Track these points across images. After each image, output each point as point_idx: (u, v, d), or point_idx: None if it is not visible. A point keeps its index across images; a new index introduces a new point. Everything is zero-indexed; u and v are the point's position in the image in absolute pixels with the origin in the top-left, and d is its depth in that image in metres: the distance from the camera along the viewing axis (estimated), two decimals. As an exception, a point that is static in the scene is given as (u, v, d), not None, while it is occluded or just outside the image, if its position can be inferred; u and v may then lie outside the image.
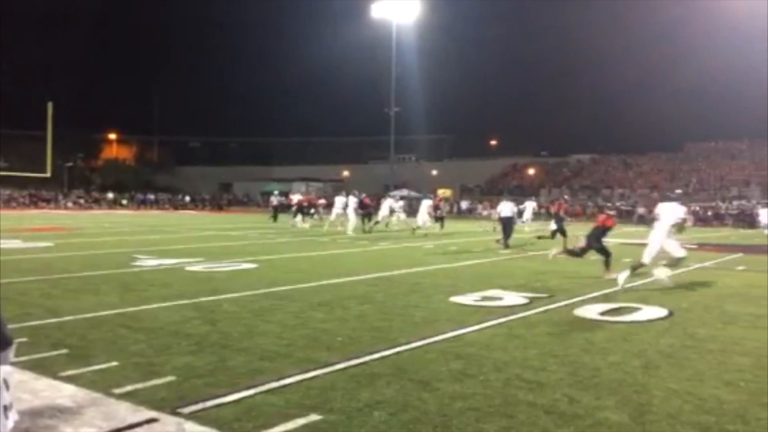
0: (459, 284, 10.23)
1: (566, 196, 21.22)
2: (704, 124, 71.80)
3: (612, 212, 12.30)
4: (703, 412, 4.25)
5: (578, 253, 12.02)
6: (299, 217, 29.20)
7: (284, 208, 31.72)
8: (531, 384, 4.81)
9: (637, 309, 8.12)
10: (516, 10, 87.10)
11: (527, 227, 29.41)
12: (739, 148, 61.11)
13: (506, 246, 18.06)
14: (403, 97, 65.28)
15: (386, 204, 28.39)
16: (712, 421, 4.09)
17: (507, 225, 18.69)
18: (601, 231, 11.75)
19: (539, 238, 19.46)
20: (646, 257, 10.11)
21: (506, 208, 19.08)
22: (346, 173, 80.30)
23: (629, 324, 7.28)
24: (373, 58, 67.48)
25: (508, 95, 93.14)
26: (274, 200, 33.92)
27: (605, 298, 9.02)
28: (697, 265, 13.89)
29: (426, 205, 24.92)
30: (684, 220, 10.55)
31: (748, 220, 37.23)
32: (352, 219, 25.11)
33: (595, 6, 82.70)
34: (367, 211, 26.94)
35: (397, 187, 62.19)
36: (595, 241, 11.68)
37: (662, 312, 7.92)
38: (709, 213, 41.42)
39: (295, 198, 31.71)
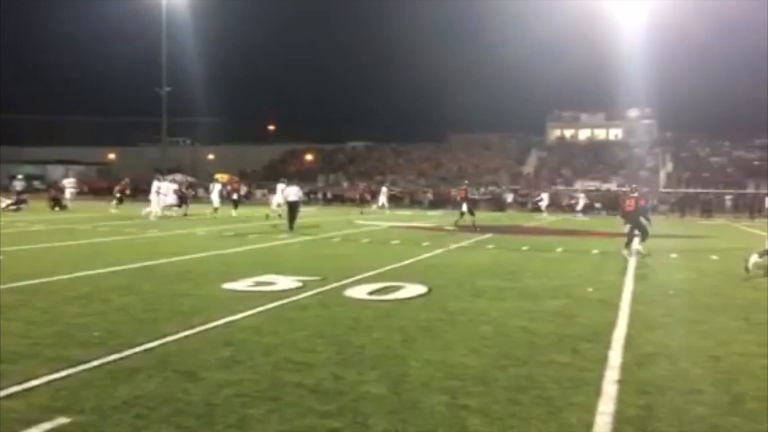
0: (233, 270, 10.06)
1: (466, 181, 25.68)
2: (464, 117, 78.83)
3: (635, 194, 13.56)
4: (451, 378, 4.68)
5: (643, 238, 13.20)
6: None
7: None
8: (299, 365, 4.90)
9: (401, 287, 8.67)
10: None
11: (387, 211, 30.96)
12: (491, 140, 68.00)
13: (291, 229, 18.59)
14: (176, 77, 62.16)
15: (216, 189, 29.06)
16: (459, 385, 4.52)
17: (293, 208, 19.33)
18: (638, 212, 13.16)
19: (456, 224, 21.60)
20: None
21: (292, 192, 19.74)
22: (111, 156, 74.43)
23: (393, 302, 7.75)
24: (143, 34, 63.28)
25: (286, 81, 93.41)
26: (18, 185, 30.32)
27: (374, 279, 9.49)
28: (455, 245, 15.23)
29: (281, 190, 26.42)
30: None
31: (498, 204, 41.73)
32: (155, 204, 24.93)
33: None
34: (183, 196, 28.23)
35: (170, 172, 59.20)
36: (639, 221, 13.12)
37: (422, 289, 8.56)
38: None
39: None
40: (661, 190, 46.56)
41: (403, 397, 4.26)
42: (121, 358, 4.96)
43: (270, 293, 8.02)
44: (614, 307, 7.54)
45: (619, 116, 68.12)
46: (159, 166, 61.13)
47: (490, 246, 15.44)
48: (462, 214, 21.89)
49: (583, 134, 69.15)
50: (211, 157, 71.96)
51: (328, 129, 79.67)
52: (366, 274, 9.89)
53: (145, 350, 5.23)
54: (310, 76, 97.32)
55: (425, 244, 15.47)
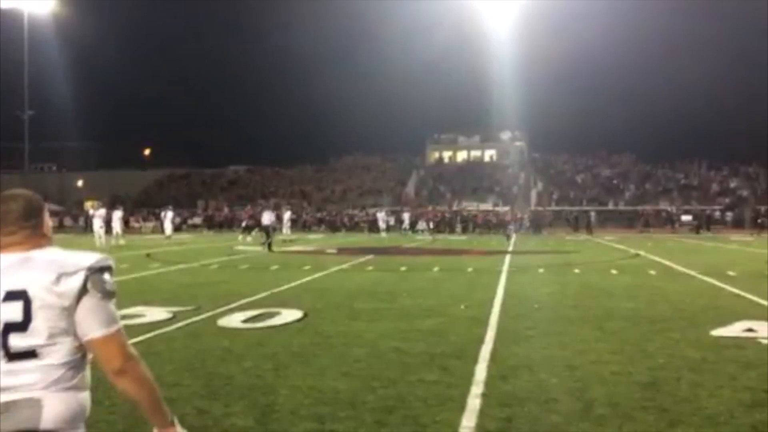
0: (98, 304, 9.48)
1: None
2: (345, 140, 79.69)
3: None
4: (320, 404, 4.65)
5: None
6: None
7: None
8: (161, 402, 4.68)
9: (276, 313, 8.53)
10: (173, 12, 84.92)
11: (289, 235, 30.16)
12: (373, 162, 69.11)
13: (269, 249, 21.76)
14: (40, 99, 58.43)
15: (168, 217, 29.97)
16: (327, 410, 4.50)
17: (267, 231, 22.88)
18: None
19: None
20: None
21: (266, 216, 23.50)
22: (-34, 184, 68.45)
23: (267, 329, 7.62)
24: (2, 52, 58.93)
25: (161, 104, 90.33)
26: None
27: (250, 306, 9.28)
28: (335, 268, 15.25)
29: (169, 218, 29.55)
30: None
31: (377, 227, 42.24)
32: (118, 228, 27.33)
33: (258, 19, 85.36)
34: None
35: (34, 200, 55.16)
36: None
37: (298, 314, 8.47)
38: (347, 220, 45.96)
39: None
40: (532, 208, 49.17)
41: (270, 427, 4.19)
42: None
43: (136, 326, 7.61)
44: (484, 323, 7.81)
45: (493, 138, 71.65)
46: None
47: (370, 267, 15.60)
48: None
49: (461, 156, 71.98)
50: (80, 183, 68.01)
51: (207, 153, 77.70)
52: (242, 302, 9.66)
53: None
54: (187, 99, 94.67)
55: (305, 267, 15.38)
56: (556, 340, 6.87)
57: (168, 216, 29.62)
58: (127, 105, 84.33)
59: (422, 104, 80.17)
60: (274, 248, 22.29)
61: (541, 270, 14.81)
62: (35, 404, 1.69)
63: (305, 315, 8.44)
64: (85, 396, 1.80)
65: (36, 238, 1.86)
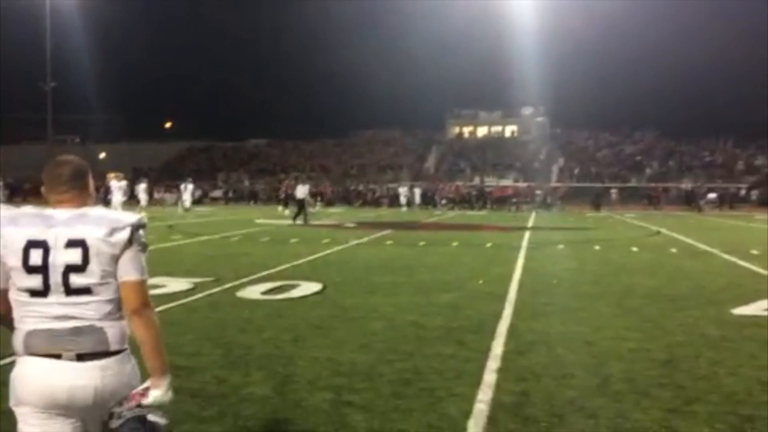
0: (120, 274, 9.63)
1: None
2: (365, 115, 79.36)
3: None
4: (338, 375, 4.70)
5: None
6: None
7: None
8: (181, 370, 4.77)
9: (296, 285, 8.61)
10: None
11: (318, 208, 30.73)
12: (393, 137, 68.77)
13: (305, 223, 22.01)
14: (63, 71, 58.76)
15: (189, 189, 30.74)
16: (345, 382, 4.55)
17: (301, 205, 23.08)
18: None
19: None
20: None
21: (300, 190, 23.59)
22: (-8, 154, 69.41)
23: (287, 301, 7.70)
24: (24, 22, 59.28)
25: (184, 77, 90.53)
26: None
27: (269, 278, 9.36)
28: (354, 242, 15.31)
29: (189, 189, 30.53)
30: None
31: (396, 201, 42.08)
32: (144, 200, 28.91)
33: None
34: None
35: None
36: None
37: (317, 287, 8.53)
38: (369, 195, 45.94)
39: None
40: (553, 184, 48.75)
41: (288, 397, 4.25)
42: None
43: (158, 296, 7.72)
44: (501, 299, 7.82)
45: (515, 114, 70.80)
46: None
47: (389, 242, 15.63)
48: None
49: (481, 131, 71.36)
50: (102, 155, 68.55)
51: (228, 126, 77.99)
52: (261, 274, 9.75)
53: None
54: (208, 72, 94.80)
55: (325, 241, 15.45)
56: (573, 316, 6.86)
57: (188, 188, 30.09)
58: (149, 77, 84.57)
59: (442, 79, 79.66)
60: (296, 221, 22.33)
61: (560, 246, 14.74)
62: (100, 330, 2.09)
63: (324, 288, 8.50)
64: (126, 323, 2.17)
65: (83, 197, 2.21)
